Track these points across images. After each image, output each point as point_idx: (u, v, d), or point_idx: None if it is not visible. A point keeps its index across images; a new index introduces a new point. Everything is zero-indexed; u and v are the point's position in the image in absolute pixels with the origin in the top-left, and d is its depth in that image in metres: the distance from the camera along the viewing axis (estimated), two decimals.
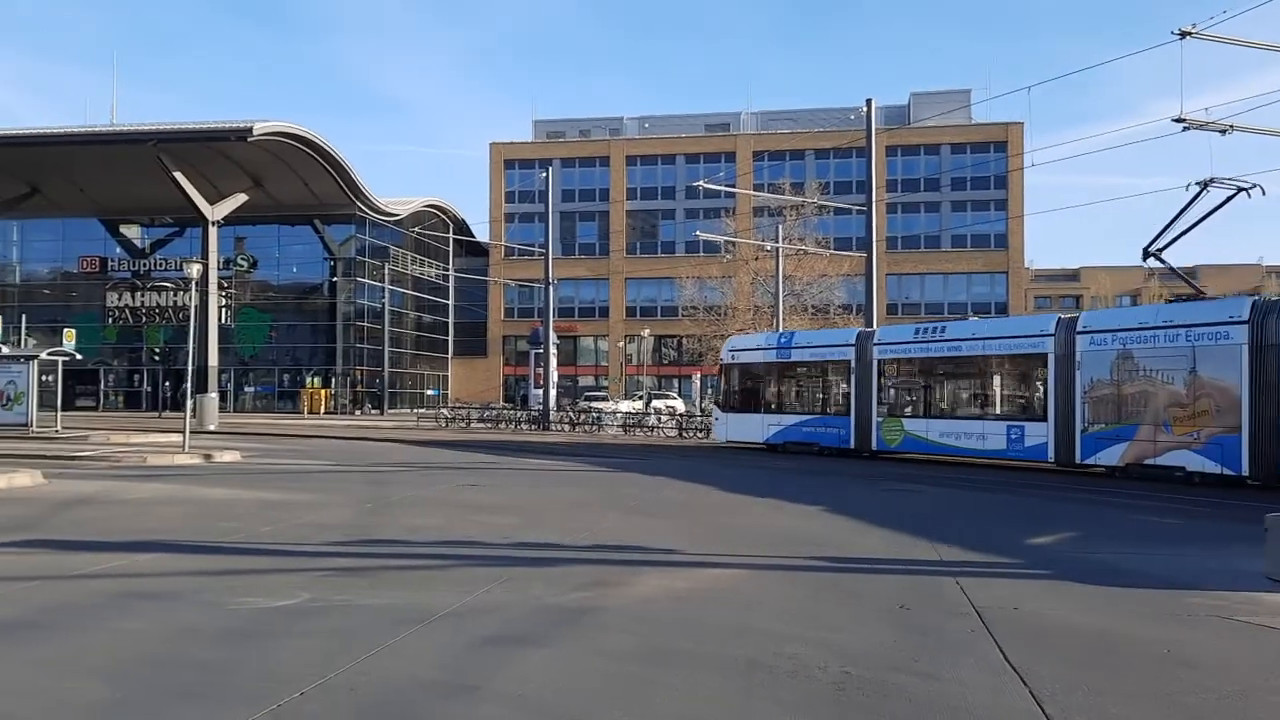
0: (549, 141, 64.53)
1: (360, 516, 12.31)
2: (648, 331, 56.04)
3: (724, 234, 48.12)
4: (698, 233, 44.88)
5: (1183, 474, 17.39)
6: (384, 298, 53.46)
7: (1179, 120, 17.76)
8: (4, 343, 35.42)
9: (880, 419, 23.77)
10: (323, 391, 51.11)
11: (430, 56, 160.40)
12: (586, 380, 61.70)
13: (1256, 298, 18.05)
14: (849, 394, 24.62)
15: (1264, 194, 18.46)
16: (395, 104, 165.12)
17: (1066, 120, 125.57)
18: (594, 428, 36.24)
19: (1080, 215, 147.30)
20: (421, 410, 48.57)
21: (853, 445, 24.32)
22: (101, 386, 54.00)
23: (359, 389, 52.89)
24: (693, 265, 52.92)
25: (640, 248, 62.20)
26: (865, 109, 28.89)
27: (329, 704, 4.86)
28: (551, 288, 39.35)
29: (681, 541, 10.23)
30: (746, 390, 27.91)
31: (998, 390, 22.09)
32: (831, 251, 43.12)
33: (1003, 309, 57.04)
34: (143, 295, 53.18)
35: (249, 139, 39.14)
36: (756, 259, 47.00)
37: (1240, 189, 18.44)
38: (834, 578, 8.48)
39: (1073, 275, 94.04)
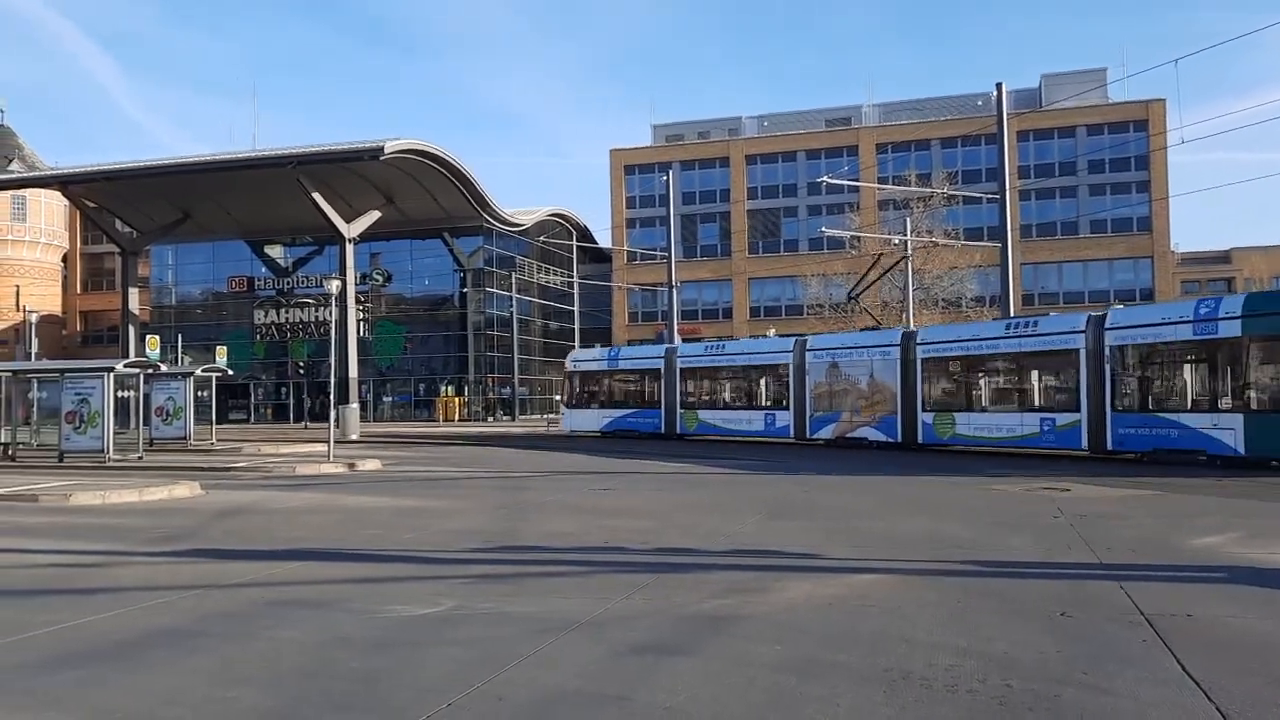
0: (668, 145, 64.55)
1: (498, 522, 12.48)
2: (773, 331, 54.77)
3: (848, 229, 47.17)
4: (822, 229, 43.98)
5: (868, 443, 25.98)
6: (512, 306, 54.50)
7: None
8: (162, 361, 37.53)
9: (682, 411, 31.64)
10: (456, 399, 52.47)
11: (549, 69, 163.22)
12: None
13: (906, 329, 27.68)
14: (661, 393, 32.26)
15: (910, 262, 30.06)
16: (517, 117, 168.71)
17: (1209, 95, 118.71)
18: None
19: (1231, 194, 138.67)
20: (551, 415, 49.24)
21: (663, 431, 31.96)
22: (252, 400, 56.81)
23: (491, 396, 54.08)
24: (817, 262, 51.93)
25: (762, 247, 61.56)
26: (995, 93, 27.83)
27: (478, 715, 4.86)
28: (675, 290, 39.34)
29: (821, 545, 9.97)
30: (586, 392, 35.10)
31: (760, 389, 30.34)
32: (962, 243, 41.74)
33: (1148, 295, 54.11)
34: (287, 312, 55.71)
35: (381, 157, 40.46)
36: (883, 254, 45.82)
37: (899, 260, 33.23)
38: (984, 582, 8.09)
39: (1223, 257, 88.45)
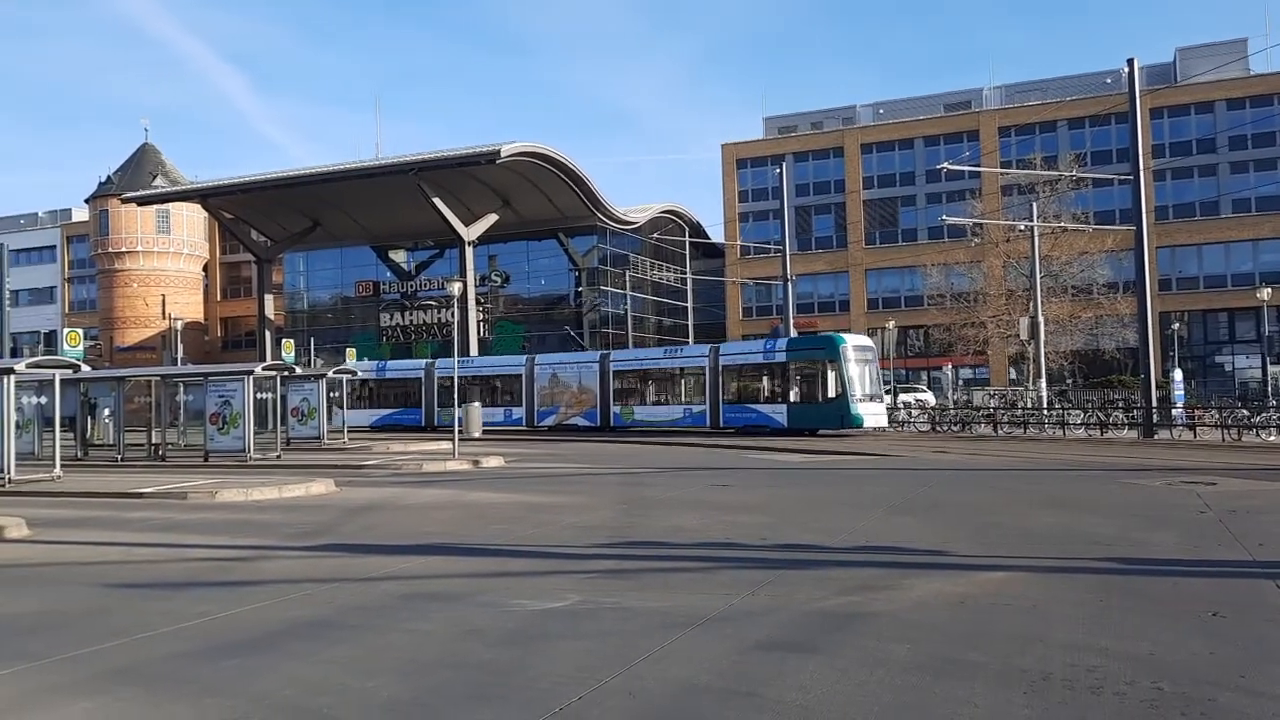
0: (781, 137, 63.91)
1: (620, 517, 12.58)
2: (892, 323, 53.94)
3: (970, 216, 45.83)
4: (943, 217, 42.88)
5: (578, 428, 36.53)
6: (626, 304, 54.93)
7: None
8: (296, 363, 39.13)
9: (439, 409, 39.92)
10: None
11: (661, 66, 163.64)
12: None
13: (605, 351, 40.87)
14: (422, 395, 41.21)
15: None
16: (628, 114, 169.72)
17: None
18: None
19: None
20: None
21: (424, 425, 40.38)
22: None
23: None
24: (937, 252, 50.69)
25: (880, 238, 60.38)
26: (1126, 70, 26.63)
27: (610, 708, 4.90)
28: (790, 284, 38.95)
29: (948, 542, 9.72)
30: (361, 395, 42.15)
31: (499, 391, 39.77)
32: (1093, 227, 40.06)
33: None
34: (411, 314, 57.47)
35: (497, 161, 41.36)
36: (1007, 240, 44.28)
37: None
38: (1125, 580, 7.77)
39: None
